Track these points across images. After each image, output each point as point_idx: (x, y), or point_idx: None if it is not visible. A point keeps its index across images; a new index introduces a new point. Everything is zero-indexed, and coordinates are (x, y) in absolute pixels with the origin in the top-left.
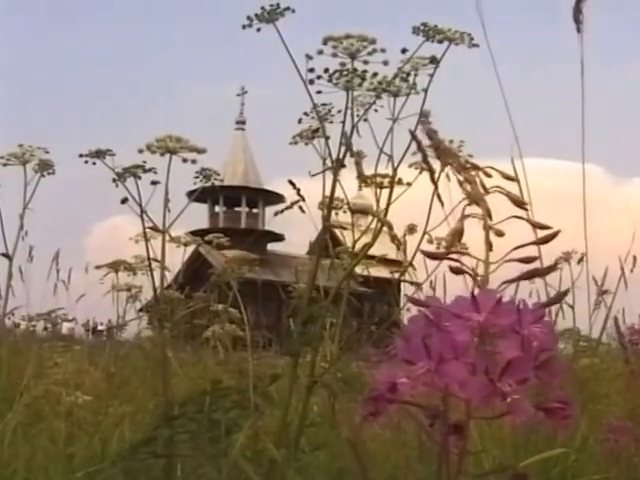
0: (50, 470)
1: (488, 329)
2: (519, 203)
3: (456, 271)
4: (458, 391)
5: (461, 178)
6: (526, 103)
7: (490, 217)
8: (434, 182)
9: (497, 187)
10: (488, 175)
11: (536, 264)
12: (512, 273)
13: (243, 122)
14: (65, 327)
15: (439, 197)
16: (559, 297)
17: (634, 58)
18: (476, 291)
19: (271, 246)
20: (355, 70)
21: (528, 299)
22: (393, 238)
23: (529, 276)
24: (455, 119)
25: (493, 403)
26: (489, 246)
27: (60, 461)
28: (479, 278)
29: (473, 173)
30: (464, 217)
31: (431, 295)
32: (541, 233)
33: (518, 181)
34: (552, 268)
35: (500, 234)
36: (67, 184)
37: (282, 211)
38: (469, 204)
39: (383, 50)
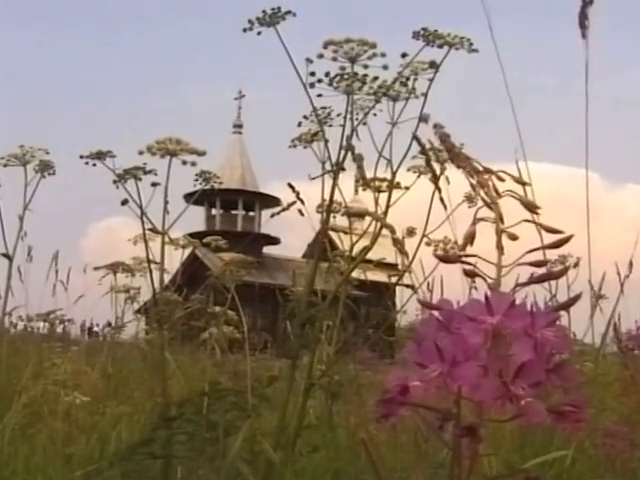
0: (48, 470)
1: (501, 332)
2: (531, 207)
3: (470, 274)
4: (471, 394)
5: (474, 182)
6: (522, 106)
7: (502, 221)
8: (437, 185)
9: (510, 191)
10: (500, 179)
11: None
12: (520, 276)
13: (240, 125)
14: (44, 327)
15: (442, 200)
16: (572, 301)
17: (631, 65)
18: (489, 294)
19: (267, 249)
20: (355, 74)
21: (524, 301)
22: (395, 242)
23: (542, 279)
24: (455, 122)
25: (506, 406)
26: (501, 250)
27: (58, 461)
28: (491, 281)
29: (486, 177)
30: (476, 220)
31: (443, 298)
32: (549, 236)
33: (530, 185)
34: (565, 271)
35: (514, 238)
36: (62, 185)
37: (278, 213)
38: (481, 207)
39: (383, 54)
